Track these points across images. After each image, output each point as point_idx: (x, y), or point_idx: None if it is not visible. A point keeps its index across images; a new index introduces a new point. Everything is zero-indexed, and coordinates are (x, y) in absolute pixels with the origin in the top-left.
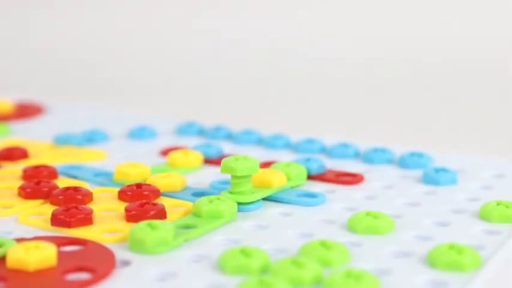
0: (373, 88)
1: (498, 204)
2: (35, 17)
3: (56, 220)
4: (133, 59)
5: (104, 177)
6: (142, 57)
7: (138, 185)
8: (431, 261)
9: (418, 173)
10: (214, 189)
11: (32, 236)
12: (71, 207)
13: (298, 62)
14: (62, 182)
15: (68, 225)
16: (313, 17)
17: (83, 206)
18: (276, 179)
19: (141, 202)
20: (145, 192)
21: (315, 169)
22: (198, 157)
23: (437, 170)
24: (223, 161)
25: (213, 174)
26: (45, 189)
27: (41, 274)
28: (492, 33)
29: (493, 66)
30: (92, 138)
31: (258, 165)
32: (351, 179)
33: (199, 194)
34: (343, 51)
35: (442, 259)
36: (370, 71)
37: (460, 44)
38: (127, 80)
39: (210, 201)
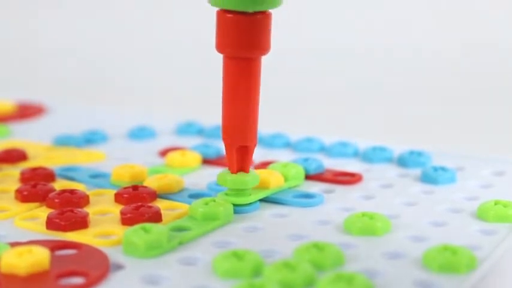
0: (372, 87)
1: (496, 203)
2: (35, 17)
3: (51, 224)
4: (132, 59)
5: (102, 179)
6: (141, 57)
7: (135, 187)
8: (425, 262)
9: (417, 171)
10: (212, 191)
11: (26, 239)
12: (67, 211)
13: (296, 60)
14: (59, 185)
15: (63, 228)
16: (312, 16)
17: (79, 209)
18: (273, 180)
19: (137, 205)
20: (142, 195)
21: (313, 169)
22: (196, 157)
23: (435, 169)
24: (218, 174)
25: (211, 174)
26: (42, 192)
27: (33, 279)
28: (491, 32)
29: (491, 64)
30: (91, 139)
31: (256, 179)
32: (349, 178)
33: (196, 195)
34: (342, 50)
35: (436, 260)
36: (369, 69)
37: (459, 42)
38: (127, 80)
39: (206, 203)
